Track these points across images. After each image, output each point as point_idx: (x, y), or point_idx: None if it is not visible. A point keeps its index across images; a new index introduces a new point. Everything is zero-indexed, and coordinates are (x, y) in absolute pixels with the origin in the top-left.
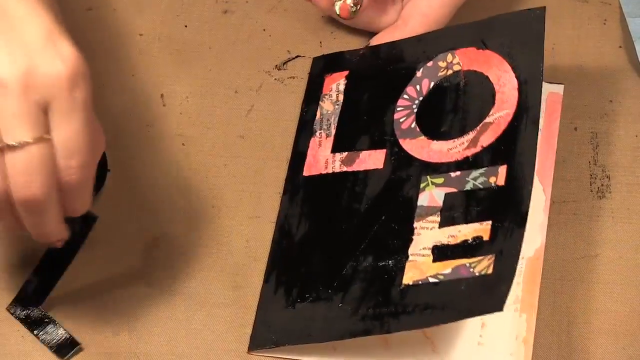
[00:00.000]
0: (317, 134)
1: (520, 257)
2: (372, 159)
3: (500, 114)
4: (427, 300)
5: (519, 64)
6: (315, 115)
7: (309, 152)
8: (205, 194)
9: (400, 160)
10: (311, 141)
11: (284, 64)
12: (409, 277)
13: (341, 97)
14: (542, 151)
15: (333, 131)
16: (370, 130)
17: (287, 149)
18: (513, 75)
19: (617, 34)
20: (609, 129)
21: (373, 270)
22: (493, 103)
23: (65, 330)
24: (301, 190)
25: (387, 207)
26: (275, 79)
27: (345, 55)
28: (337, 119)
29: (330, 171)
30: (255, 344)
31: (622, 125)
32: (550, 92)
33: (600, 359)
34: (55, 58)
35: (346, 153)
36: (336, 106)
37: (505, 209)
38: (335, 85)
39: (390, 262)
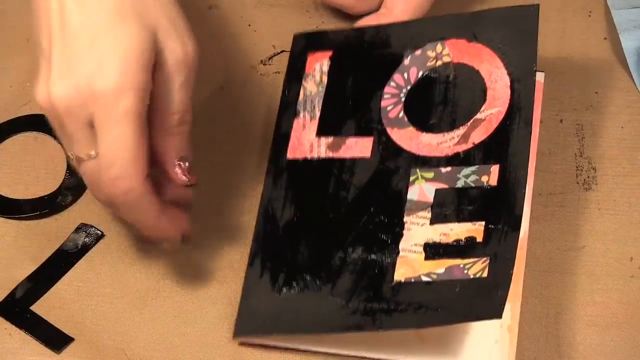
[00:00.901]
0: (301, 115)
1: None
2: (359, 147)
3: (492, 112)
4: (420, 300)
5: (511, 60)
6: (299, 95)
7: (293, 134)
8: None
9: (388, 150)
10: (295, 122)
11: (270, 59)
12: (401, 273)
13: (325, 79)
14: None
15: (317, 114)
16: (357, 115)
17: None
18: (505, 72)
19: (602, 25)
20: (595, 120)
21: (363, 263)
22: (484, 99)
23: (55, 327)
24: (285, 173)
25: (376, 199)
26: (260, 74)
27: (328, 35)
28: (321, 101)
29: (316, 156)
30: (241, 330)
31: (607, 117)
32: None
33: (588, 350)
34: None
35: (332, 138)
36: (320, 88)
37: (499, 211)
38: (319, 66)
39: (380, 255)
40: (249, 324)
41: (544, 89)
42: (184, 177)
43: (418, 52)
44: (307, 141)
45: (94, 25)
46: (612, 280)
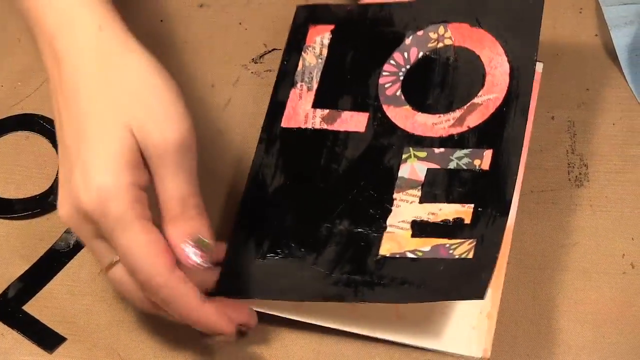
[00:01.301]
0: (298, 85)
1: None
2: (354, 121)
3: (489, 97)
4: (403, 275)
5: (512, 48)
6: (297, 66)
7: (289, 104)
8: None
9: (383, 126)
10: (291, 92)
11: (261, 57)
12: (386, 248)
13: (325, 52)
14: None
15: (315, 85)
16: (354, 90)
17: None
18: (505, 59)
19: (593, 22)
20: (586, 117)
21: (349, 235)
22: (483, 84)
23: (48, 326)
24: (278, 141)
25: (367, 173)
26: (252, 72)
27: (331, 9)
28: (319, 73)
29: (310, 126)
30: (221, 291)
31: (599, 114)
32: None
33: (581, 347)
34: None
35: (327, 110)
36: (319, 60)
37: (489, 195)
38: (320, 38)
39: (367, 229)
40: (230, 286)
41: (541, 80)
42: (193, 260)
43: (420, 32)
44: (302, 111)
45: (79, 137)
46: (604, 277)
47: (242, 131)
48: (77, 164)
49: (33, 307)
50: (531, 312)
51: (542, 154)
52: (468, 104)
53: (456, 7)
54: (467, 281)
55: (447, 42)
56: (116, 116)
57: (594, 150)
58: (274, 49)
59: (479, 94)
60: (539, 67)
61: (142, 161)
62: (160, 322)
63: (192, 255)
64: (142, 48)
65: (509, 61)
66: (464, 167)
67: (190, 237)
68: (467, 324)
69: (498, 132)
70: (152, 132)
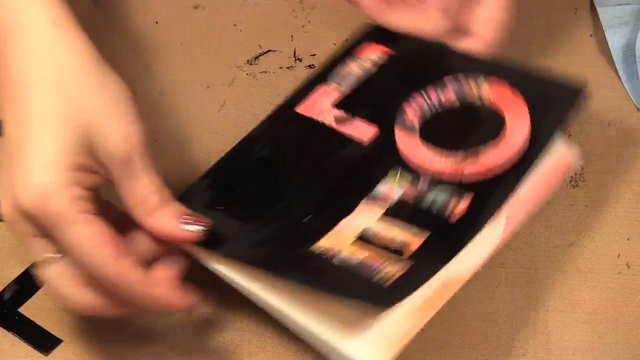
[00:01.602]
0: (329, 84)
1: (445, 270)
2: (362, 130)
3: (495, 154)
4: (320, 271)
5: (537, 122)
6: (338, 69)
7: (312, 95)
8: (178, 191)
9: (385, 145)
10: (321, 87)
11: (256, 58)
12: (322, 244)
13: (371, 67)
14: (528, 198)
15: (345, 90)
16: (376, 105)
17: None
18: (528, 128)
19: (588, 22)
20: (581, 117)
21: (297, 220)
22: (496, 143)
23: (44, 328)
24: (284, 121)
25: (346, 177)
26: (247, 73)
27: (394, 34)
28: (355, 81)
29: (320, 121)
30: None
31: (594, 114)
32: (564, 153)
33: (576, 347)
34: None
35: (343, 113)
36: (362, 71)
37: (445, 237)
38: (372, 54)
39: (317, 221)
40: None
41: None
42: (197, 231)
43: (462, 77)
44: (320, 105)
45: (23, 134)
46: (599, 277)
47: (237, 133)
48: (19, 161)
49: (29, 309)
50: (526, 312)
51: None
52: (472, 152)
53: (506, 67)
54: (374, 294)
55: (483, 95)
56: (68, 116)
57: (589, 150)
58: (269, 51)
59: (488, 149)
60: (574, 154)
61: (92, 164)
62: (155, 325)
63: (194, 228)
64: (95, 50)
65: (530, 131)
66: (437, 207)
67: (183, 215)
68: (380, 331)
69: (488, 184)
70: (113, 134)
